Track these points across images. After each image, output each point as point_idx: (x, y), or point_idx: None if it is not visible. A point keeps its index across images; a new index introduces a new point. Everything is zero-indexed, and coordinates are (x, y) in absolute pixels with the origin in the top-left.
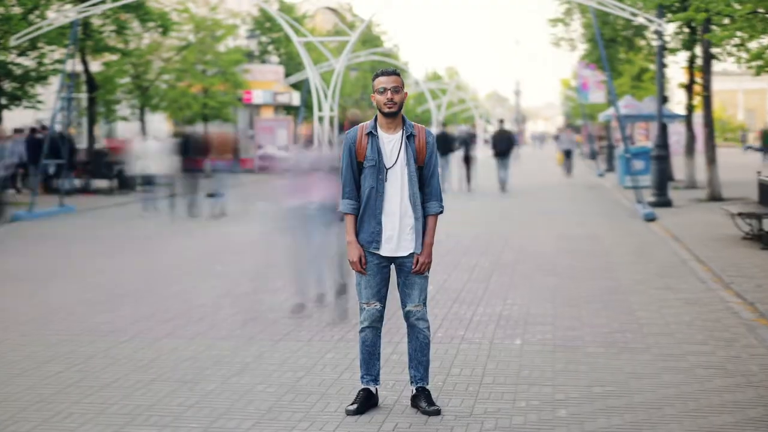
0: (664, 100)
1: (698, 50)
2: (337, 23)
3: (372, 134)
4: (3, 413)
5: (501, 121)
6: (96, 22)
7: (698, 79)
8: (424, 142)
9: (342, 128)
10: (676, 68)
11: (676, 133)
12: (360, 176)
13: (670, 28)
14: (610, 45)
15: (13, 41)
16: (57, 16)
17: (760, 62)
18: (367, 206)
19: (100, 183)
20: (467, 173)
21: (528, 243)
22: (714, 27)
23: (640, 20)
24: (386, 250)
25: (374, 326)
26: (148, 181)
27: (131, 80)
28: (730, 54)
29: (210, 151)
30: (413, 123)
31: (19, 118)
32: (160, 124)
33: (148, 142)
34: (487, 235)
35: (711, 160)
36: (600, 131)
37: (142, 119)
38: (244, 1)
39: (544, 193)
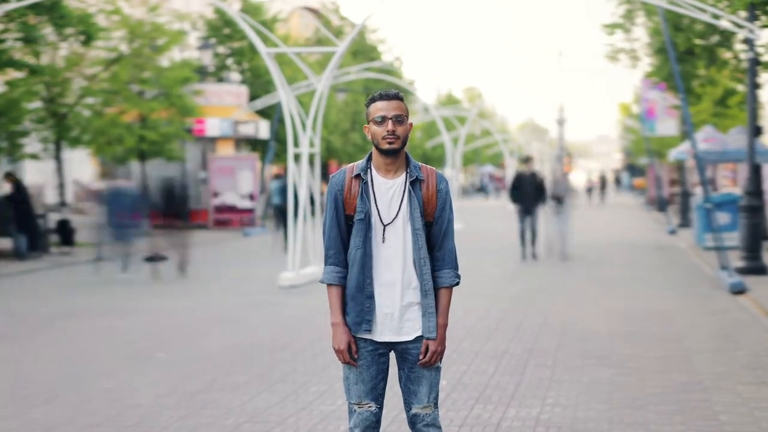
0: (757, 131)
1: None
2: (319, 29)
3: (364, 178)
4: None
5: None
6: None
7: None
8: (435, 189)
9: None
10: None
11: None
12: (349, 235)
13: (764, 35)
14: (684, 58)
15: None
16: None
17: None
18: (357, 275)
19: (2, 242)
20: None
21: (574, 322)
22: None
23: (724, 25)
24: (384, 333)
25: None
26: None
27: (43, 105)
28: None
29: None
30: (420, 164)
31: None
32: (81, 163)
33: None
34: (520, 310)
35: None
36: (671, 173)
37: (57, 157)
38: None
39: (595, 255)
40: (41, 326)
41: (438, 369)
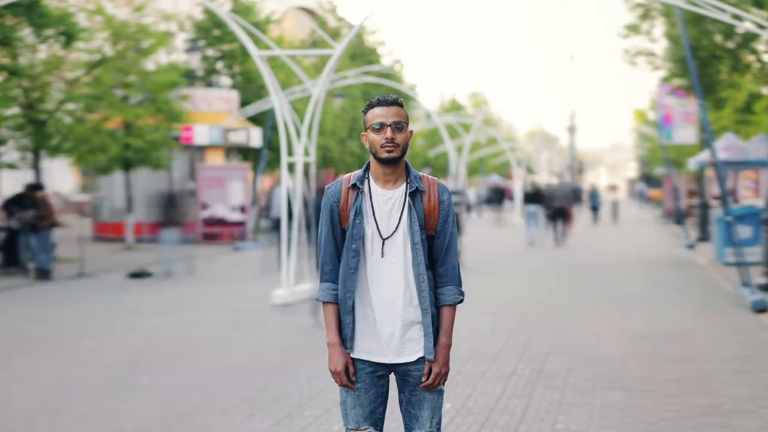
0: None
1: None
2: (314, 30)
3: (361, 189)
4: None
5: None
6: None
7: None
8: (437, 200)
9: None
10: None
11: None
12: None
13: None
14: (706, 61)
15: None
16: None
17: None
18: (355, 292)
19: None
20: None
21: (585, 342)
22: None
23: (746, 26)
24: (383, 353)
25: None
26: None
27: (21, 111)
28: None
29: None
30: (421, 174)
31: None
32: (62, 173)
33: None
34: (528, 329)
35: None
36: (689, 184)
37: (36, 167)
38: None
39: (608, 271)
40: (15, 347)
41: (441, 392)
